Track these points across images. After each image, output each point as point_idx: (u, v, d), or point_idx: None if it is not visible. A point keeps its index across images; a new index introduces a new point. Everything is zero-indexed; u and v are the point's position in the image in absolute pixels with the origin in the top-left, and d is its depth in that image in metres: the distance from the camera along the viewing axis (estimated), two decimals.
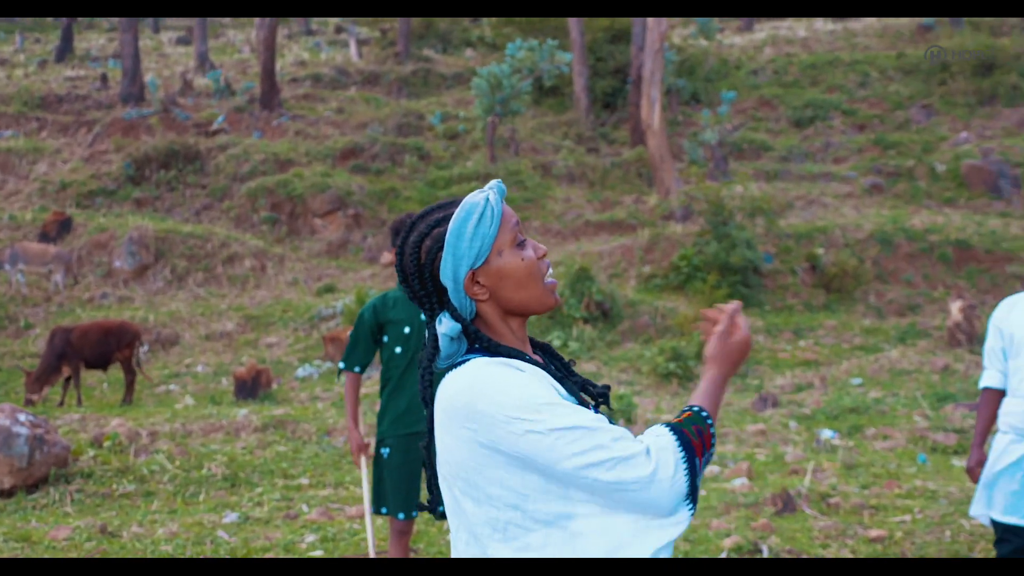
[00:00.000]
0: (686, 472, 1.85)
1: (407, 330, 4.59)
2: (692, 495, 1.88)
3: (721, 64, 26.72)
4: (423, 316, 4.52)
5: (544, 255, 1.97)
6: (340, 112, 23.90)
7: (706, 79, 25.82)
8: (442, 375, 1.95)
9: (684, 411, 1.94)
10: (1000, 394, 4.35)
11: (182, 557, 5.71)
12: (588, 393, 2.05)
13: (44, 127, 22.34)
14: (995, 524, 4.23)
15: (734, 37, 29.89)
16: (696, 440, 1.88)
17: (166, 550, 5.83)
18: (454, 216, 1.93)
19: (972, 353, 12.57)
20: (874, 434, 9.23)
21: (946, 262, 16.10)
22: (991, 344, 4.39)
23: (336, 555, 5.82)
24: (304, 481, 7.92)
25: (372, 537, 5.11)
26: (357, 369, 4.77)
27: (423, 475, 4.39)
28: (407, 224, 2.03)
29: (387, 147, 21.34)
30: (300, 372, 13.07)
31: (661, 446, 1.85)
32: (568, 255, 16.77)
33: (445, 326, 1.93)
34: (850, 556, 5.56)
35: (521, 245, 1.96)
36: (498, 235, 1.93)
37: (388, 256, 17.73)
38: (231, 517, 6.72)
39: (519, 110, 21.68)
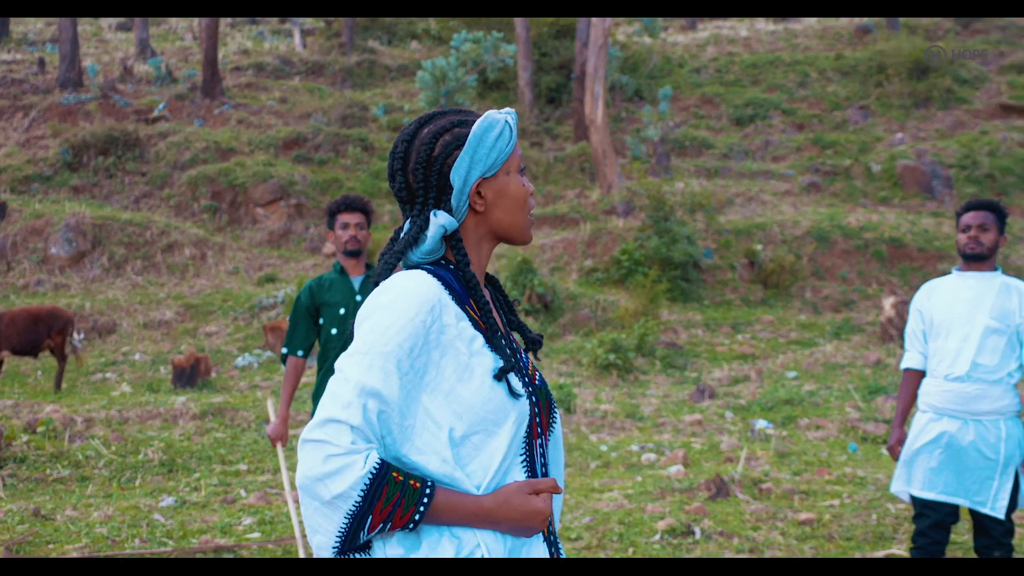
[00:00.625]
0: (345, 517, 1.77)
1: (343, 311, 4.61)
2: (342, 541, 1.79)
3: (664, 62, 26.96)
4: (358, 296, 4.55)
5: (532, 193, 2.03)
6: (283, 102, 23.72)
7: (649, 76, 26.05)
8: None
9: (417, 479, 1.83)
10: (920, 375, 4.52)
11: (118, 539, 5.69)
12: (524, 337, 2.10)
13: None
14: (914, 499, 4.39)
15: (677, 36, 30.18)
16: (386, 506, 1.78)
17: (101, 532, 5.79)
18: (478, 123, 1.96)
19: (904, 348, 12.89)
20: (807, 424, 9.42)
21: (880, 259, 16.45)
22: (912, 327, 4.56)
23: (274, 538, 5.82)
24: (243, 467, 7.90)
25: (298, 522, 5.08)
26: (300, 353, 4.78)
27: None
28: (409, 125, 2.03)
29: (330, 138, 21.23)
30: (240, 361, 12.99)
31: (354, 469, 1.76)
32: (510, 248, 16.85)
33: (442, 218, 1.95)
34: (780, 538, 5.69)
35: (522, 173, 2.02)
36: (510, 155, 1.99)
37: (330, 245, 17.69)
38: (168, 501, 6.69)
39: (464, 103, 21.71)
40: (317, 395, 4.75)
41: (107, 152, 19.82)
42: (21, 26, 32.23)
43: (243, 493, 7.03)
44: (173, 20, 35.10)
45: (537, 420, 1.99)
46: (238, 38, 31.22)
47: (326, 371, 4.65)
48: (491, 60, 22.25)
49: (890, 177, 19.89)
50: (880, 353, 12.70)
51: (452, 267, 1.98)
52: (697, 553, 5.41)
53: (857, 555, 5.40)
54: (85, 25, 31.84)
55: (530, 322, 14.20)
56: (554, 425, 2.07)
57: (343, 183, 19.55)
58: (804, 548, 5.54)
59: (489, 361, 1.91)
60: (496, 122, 1.98)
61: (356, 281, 4.66)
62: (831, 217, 17.42)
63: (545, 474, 2.02)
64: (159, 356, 13.36)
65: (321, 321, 4.70)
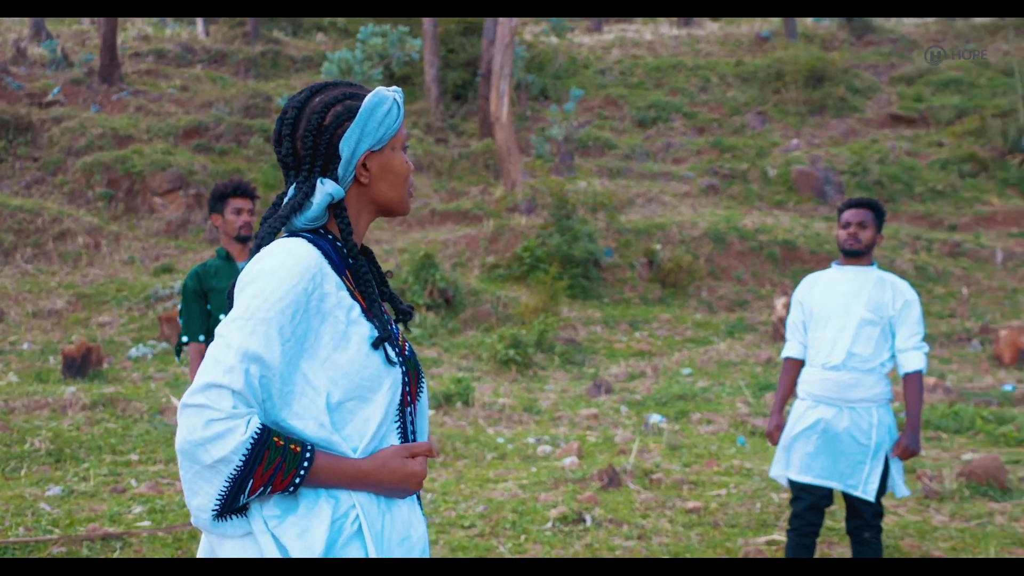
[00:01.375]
0: (226, 480, 1.79)
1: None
2: (221, 504, 1.82)
3: (570, 62, 27.24)
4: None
5: (412, 171, 2.10)
6: (184, 90, 23.28)
7: (555, 76, 26.28)
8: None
9: (297, 443, 1.87)
10: (799, 364, 4.72)
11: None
12: (395, 308, 2.16)
13: None
14: (791, 483, 4.58)
15: (583, 37, 30.50)
16: (267, 470, 1.81)
17: None
18: (368, 97, 2.03)
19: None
20: (699, 419, 9.66)
21: (773, 261, 16.92)
22: (793, 318, 4.76)
23: (164, 526, 5.76)
24: (134, 457, 7.77)
25: None
26: (201, 338, 4.71)
27: None
28: (300, 92, 2.06)
29: (232, 127, 20.92)
30: (133, 352, 12.73)
31: (235, 434, 1.78)
32: (413, 242, 16.86)
33: (329, 186, 2.00)
34: (667, 525, 5.85)
35: (405, 151, 2.10)
36: (397, 132, 2.07)
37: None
38: (54, 490, 6.55)
39: None
40: None
41: None
42: None
43: (134, 483, 6.93)
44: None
45: (407, 389, 2.05)
46: (139, 23, 30.50)
47: None
48: (397, 54, 22.20)
49: (785, 182, 20.45)
50: (771, 351, 13.07)
51: (331, 237, 2.04)
52: (587, 540, 5.53)
53: (740, 541, 5.58)
54: None
55: (431, 317, 14.23)
56: (421, 394, 2.14)
57: (244, 174, 19.28)
58: (690, 535, 5.71)
59: (366, 330, 1.96)
60: (385, 98, 2.04)
61: (242, 267, 4.63)
62: (728, 219, 17.83)
63: (415, 440, 2.08)
64: (48, 346, 13.01)
65: (208, 307, 4.66)
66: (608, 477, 6.87)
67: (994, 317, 15.10)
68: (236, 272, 4.57)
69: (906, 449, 4.39)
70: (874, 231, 4.59)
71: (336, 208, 2.04)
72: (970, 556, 5.35)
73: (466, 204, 19.23)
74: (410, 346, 2.13)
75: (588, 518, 5.89)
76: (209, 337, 4.72)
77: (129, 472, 7.27)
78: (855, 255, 4.57)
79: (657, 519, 5.99)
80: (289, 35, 29.81)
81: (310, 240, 1.97)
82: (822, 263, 16.85)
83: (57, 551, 5.18)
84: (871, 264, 4.61)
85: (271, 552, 1.83)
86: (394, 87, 2.10)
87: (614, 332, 14.60)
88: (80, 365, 11.19)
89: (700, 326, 14.80)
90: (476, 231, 17.56)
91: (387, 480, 1.95)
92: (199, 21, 30.33)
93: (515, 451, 8.30)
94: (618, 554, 5.30)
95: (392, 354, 1.99)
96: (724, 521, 5.98)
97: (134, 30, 29.02)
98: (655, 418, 9.55)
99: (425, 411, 2.17)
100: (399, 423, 2.02)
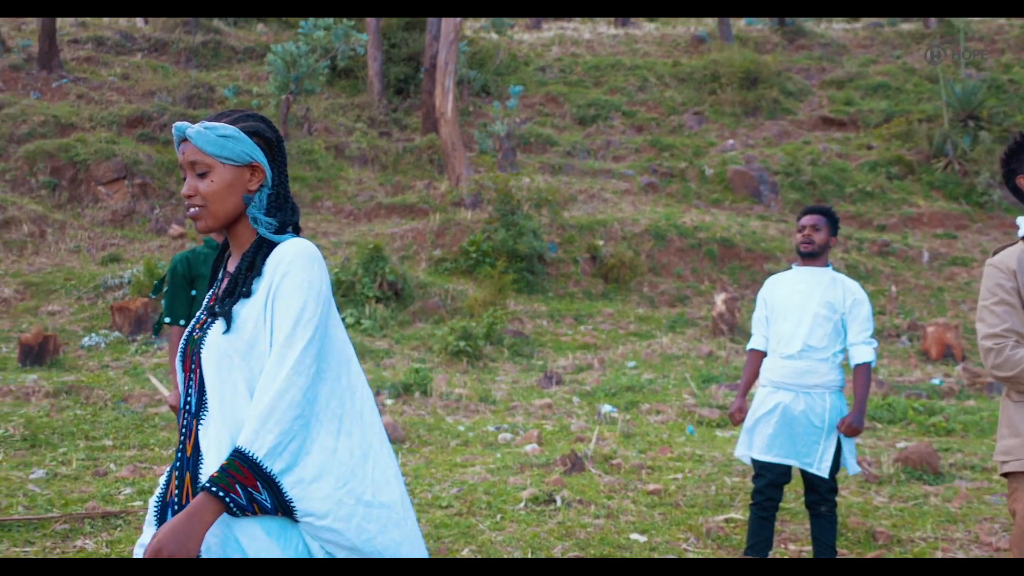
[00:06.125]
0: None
1: None
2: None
3: (511, 59, 27.61)
4: None
5: (185, 195, 2.35)
6: (125, 79, 23.16)
7: (496, 72, 26.64)
8: None
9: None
10: (762, 354, 5.20)
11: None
12: (241, 280, 2.36)
13: None
14: (754, 462, 5.05)
15: (524, 34, 30.89)
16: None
17: None
18: None
19: (733, 341, 13.87)
20: (648, 409, 10.13)
21: (712, 258, 17.50)
22: (758, 313, 5.25)
23: None
24: (108, 443, 7.97)
25: None
26: (182, 322, 4.94)
27: None
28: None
29: (176, 117, 20.88)
30: (86, 341, 12.81)
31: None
32: (361, 235, 17.09)
33: None
34: (632, 506, 6.28)
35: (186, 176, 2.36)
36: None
37: (176, 227, 17.52)
38: (38, 473, 6.75)
39: (314, 90, 21.75)
40: None
41: None
42: None
43: (113, 467, 7.14)
44: None
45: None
46: None
47: None
48: (342, 48, 22.35)
49: (721, 181, 21.08)
50: (712, 346, 13.62)
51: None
52: (560, 518, 5.93)
53: (700, 519, 6.03)
54: None
55: (380, 309, 14.51)
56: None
57: None
58: (654, 514, 6.14)
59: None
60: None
61: None
62: (667, 216, 18.38)
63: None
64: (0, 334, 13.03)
65: (194, 292, 4.89)
66: (571, 462, 7.27)
67: (921, 314, 15.87)
68: None
69: (850, 426, 4.87)
70: (827, 234, 5.07)
71: None
72: (909, 533, 5.86)
73: (411, 198, 19.51)
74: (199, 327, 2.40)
75: (558, 499, 6.29)
76: (190, 321, 4.96)
77: (107, 457, 7.48)
78: (810, 256, 5.06)
79: (621, 500, 6.41)
80: (230, 25, 29.70)
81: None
82: (758, 260, 17.49)
83: (60, 528, 5.42)
84: (826, 265, 5.09)
85: None
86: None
87: (560, 325, 15.03)
88: (38, 353, 11.28)
89: (643, 320, 15.29)
90: (422, 225, 17.86)
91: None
92: None
93: (477, 438, 8.67)
94: (589, 531, 5.70)
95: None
96: (684, 502, 6.43)
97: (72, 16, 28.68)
98: (607, 408, 9.99)
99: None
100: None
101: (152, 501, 2.41)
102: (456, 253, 16.95)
